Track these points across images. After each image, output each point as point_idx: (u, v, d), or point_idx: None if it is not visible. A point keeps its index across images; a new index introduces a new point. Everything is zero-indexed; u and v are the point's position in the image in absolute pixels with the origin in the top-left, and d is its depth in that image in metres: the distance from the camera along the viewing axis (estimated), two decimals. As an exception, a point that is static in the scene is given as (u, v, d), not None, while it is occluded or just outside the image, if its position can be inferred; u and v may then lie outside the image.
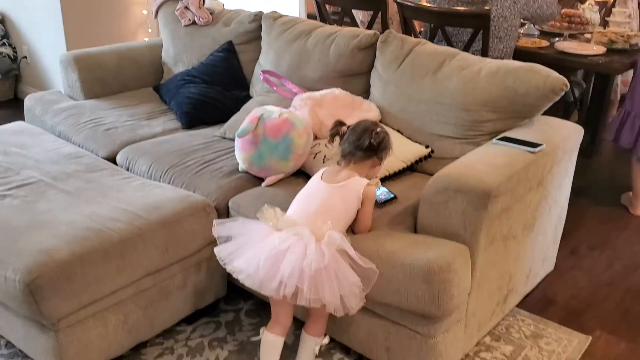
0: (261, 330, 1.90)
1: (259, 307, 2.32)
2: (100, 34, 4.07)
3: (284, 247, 1.71)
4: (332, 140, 2.00)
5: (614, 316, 2.39)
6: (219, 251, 1.85)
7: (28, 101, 3.00)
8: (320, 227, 1.75)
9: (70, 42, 3.97)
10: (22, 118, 3.04)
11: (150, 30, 4.37)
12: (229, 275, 2.24)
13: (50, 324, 1.75)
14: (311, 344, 1.90)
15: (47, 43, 4.18)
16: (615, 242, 2.92)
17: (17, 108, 4.41)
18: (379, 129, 1.95)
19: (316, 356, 1.96)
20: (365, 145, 1.90)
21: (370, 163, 1.94)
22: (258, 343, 2.11)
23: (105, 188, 2.15)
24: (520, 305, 2.37)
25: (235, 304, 2.34)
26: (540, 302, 2.44)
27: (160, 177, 2.32)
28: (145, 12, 4.31)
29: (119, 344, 1.94)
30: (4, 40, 4.38)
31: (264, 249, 1.73)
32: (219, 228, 1.87)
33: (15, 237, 1.81)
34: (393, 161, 2.23)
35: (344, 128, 1.99)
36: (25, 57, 4.39)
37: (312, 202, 1.86)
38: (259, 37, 2.97)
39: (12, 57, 4.40)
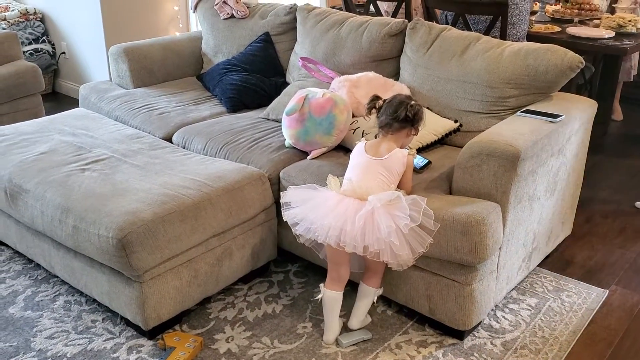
0: (321, 288, 2.13)
1: (306, 269, 2.57)
2: (136, 29, 4.33)
3: (352, 210, 1.95)
4: (369, 112, 2.22)
5: (627, 274, 2.63)
6: (291, 215, 2.07)
7: (83, 90, 3.25)
8: (376, 193, 2.00)
9: (109, 38, 4.24)
10: (61, 110, 3.26)
11: (181, 25, 4.63)
12: (279, 240, 2.52)
13: (136, 276, 2.00)
14: (370, 294, 2.15)
15: (86, 39, 4.44)
16: (626, 211, 3.16)
17: (56, 101, 4.69)
18: (413, 102, 2.17)
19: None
20: (401, 117, 2.13)
21: (406, 133, 2.17)
22: (308, 297, 2.38)
23: (170, 162, 2.40)
24: (542, 265, 2.62)
25: (284, 267, 2.59)
26: (560, 262, 2.69)
27: (216, 153, 2.57)
28: (176, 8, 4.57)
29: (191, 297, 2.19)
30: (44, 38, 4.64)
31: (337, 211, 1.97)
32: (290, 193, 2.10)
33: (103, 202, 2.07)
34: (425, 134, 2.48)
35: (380, 102, 2.21)
36: (64, 52, 4.65)
37: (363, 173, 2.08)
38: (294, 28, 3.22)
39: (51, 53, 4.66)
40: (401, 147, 2.15)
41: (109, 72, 4.32)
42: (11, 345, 2.11)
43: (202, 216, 2.11)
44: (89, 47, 4.45)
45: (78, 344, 2.12)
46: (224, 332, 2.20)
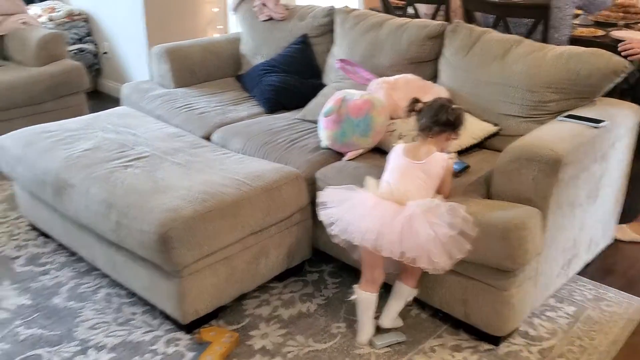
0: (355, 289, 2.14)
1: (340, 269, 2.58)
2: (176, 30, 4.40)
3: (390, 214, 1.95)
4: (408, 115, 2.22)
5: (671, 284, 2.56)
6: (327, 214, 2.08)
7: (125, 89, 3.33)
8: (415, 197, 1.99)
9: (150, 38, 4.33)
10: (102, 108, 3.31)
11: (220, 26, 4.69)
12: (313, 240, 2.54)
13: (175, 271, 2.04)
14: (405, 293, 2.15)
15: (128, 39, 4.54)
16: (671, 219, 3.08)
17: (98, 99, 4.79)
18: (454, 106, 2.16)
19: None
20: (442, 120, 2.12)
21: (446, 136, 2.16)
22: (342, 298, 2.39)
23: (210, 161, 2.45)
24: (582, 273, 2.57)
25: (319, 266, 2.61)
26: (600, 270, 2.63)
27: (255, 153, 2.60)
28: (215, 9, 4.63)
29: (227, 293, 2.23)
30: (87, 38, 4.77)
31: (374, 214, 1.97)
32: (327, 193, 2.12)
33: (145, 198, 2.12)
34: (464, 137, 2.46)
35: (420, 104, 2.20)
36: (106, 52, 4.77)
37: (402, 176, 2.08)
38: (332, 30, 3.24)
39: (93, 53, 4.78)
40: (440, 151, 2.14)
41: (150, 72, 4.42)
42: (55, 334, 2.18)
43: (240, 214, 2.14)
44: (131, 47, 4.55)
45: (118, 336, 2.17)
46: (259, 329, 2.23)
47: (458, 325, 2.25)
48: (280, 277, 2.49)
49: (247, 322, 2.27)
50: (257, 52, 3.46)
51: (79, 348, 2.11)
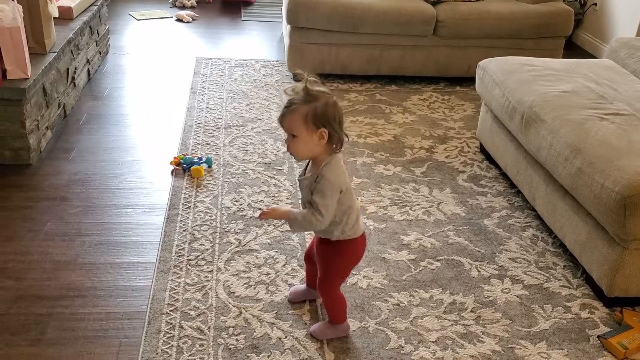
0: None
1: None
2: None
3: None
4: None
5: None
6: None
7: (614, 43, 3.12)
8: None
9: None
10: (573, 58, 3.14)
11: None
12: None
13: (622, 239, 1.89)
14: None
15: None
16: None
17: (570, 50, 4.64)
18: None
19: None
20: None
21: None
22: None
23: (698, 139, 2.13)
24: None
25: None
26: None
27: None
28: None
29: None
30: (583, -14, 4.61)
31: None
32: None
33: (616, 155, 1.99)
34: None
35: None
36: (595, 4, 4.54)
37: None
38: None
39: (582, 2, 4.61)
40: None
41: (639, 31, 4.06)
42: (479, 251, 2.32)
43: None
44: (624, 3, 4.21)
45: (536, 278, 2.18)
46: (692, 341, 1.93)
47: None
48: None
49: (678, 326, 1.99)
50: None
51: (497, 272, 2.20)
